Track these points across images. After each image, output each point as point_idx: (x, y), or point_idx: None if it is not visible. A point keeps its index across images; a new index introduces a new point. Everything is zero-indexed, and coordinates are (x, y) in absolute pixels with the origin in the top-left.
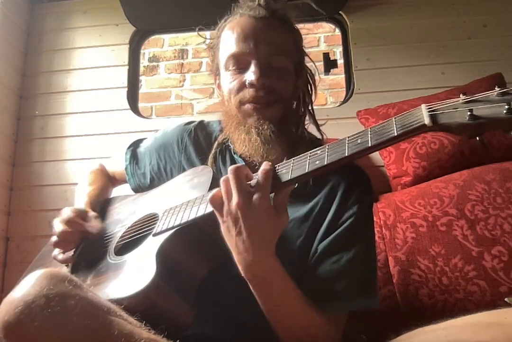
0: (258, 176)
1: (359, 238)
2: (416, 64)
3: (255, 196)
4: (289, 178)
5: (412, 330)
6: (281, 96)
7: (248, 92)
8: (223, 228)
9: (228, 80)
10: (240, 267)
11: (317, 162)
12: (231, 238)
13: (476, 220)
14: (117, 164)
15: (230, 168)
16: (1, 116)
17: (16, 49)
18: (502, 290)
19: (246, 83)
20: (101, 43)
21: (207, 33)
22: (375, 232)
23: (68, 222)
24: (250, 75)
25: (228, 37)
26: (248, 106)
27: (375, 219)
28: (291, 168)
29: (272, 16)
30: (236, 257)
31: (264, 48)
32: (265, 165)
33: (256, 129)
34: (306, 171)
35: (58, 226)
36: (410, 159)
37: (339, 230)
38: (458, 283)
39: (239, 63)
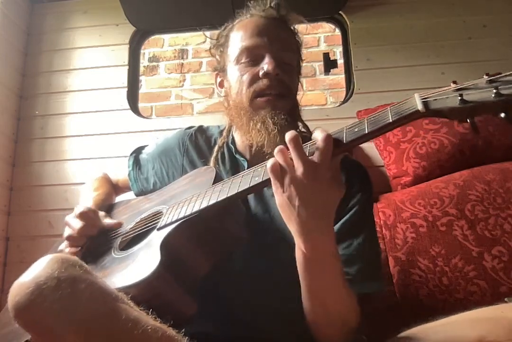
0: (318, 145)
1: (365, 224)
2: (416, 64)
3: (321, 165)
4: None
5: (411, 327)
6: (291, 91)
7: (263, 82)
8: (281, 199)
9: (239, 73)
10: (300, 239)
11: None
12: (293, 208)
13: (476, 220)
14: (120, 172)
15: (289, 136)
16: (1, 116)
17: (16, 49)
18: (502, 290)
19: (260, 73)
20: (101, 43)
21: (208, 33)
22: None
23: (90, 217)
24: (265, 66)
25: (240, 34)
26: (261, 99)
27: (375, 219)
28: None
29: (281, 18)
30: (296, 229)
31: (277, 43)
32: (322, 132)
33: (272, 119)
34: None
35: (74, 220)
36: (410, 159)
37: (346, 217)
38: (458, 283)
39: (253, 56)
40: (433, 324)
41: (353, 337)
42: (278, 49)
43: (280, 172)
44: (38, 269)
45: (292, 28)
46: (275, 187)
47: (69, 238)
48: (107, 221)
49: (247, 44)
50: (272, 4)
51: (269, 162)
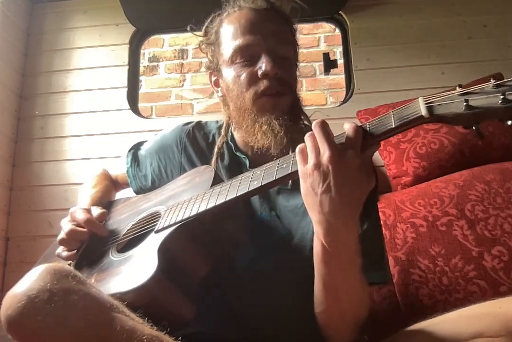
0: (347, 133)
1: (368, 215)
2: (416, 64)
3: (349, 151)
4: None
5: (409, 326)
6: (290, 87)
7: (263, 83)
8: (305, 186)
9: (235, 73)
10: (321, 230)
11: None
12: (315, 196)
13: (476, 220)
14: (119, 168)
15: (316, 122)
16: (1, 116)
17: (16, 49)
18: (502, 290)
19: (259, 74)
20: (101, 43)
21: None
22: None
23: (84, 221)
24: (263, 66)
25: (231, 31)
26: (264, 99)
27: None
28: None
29: (271, 8)
30: (318, 218)
31: (271, 38)
32: (352, 124)
33: (277, 120)
34: None
35: (67, 224)
36: (410, 160)
37: None
38: (458, 283)
39: (247, 55)
40: (431, 322)
41: (358, 333)
42: (273, 44)
43: (306, 155)
44: (30, 281)
45: (284, 16)
46: (301, 171)
47: (61, 242)
48: (94, 212)
49: (240, 43)
50: None
51: (298, 146)
